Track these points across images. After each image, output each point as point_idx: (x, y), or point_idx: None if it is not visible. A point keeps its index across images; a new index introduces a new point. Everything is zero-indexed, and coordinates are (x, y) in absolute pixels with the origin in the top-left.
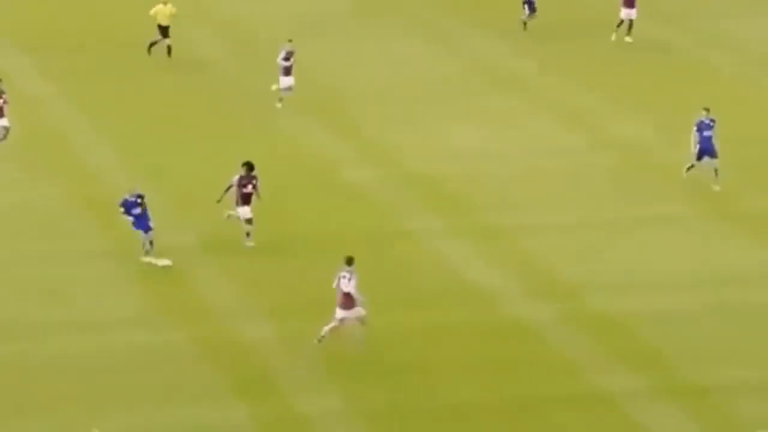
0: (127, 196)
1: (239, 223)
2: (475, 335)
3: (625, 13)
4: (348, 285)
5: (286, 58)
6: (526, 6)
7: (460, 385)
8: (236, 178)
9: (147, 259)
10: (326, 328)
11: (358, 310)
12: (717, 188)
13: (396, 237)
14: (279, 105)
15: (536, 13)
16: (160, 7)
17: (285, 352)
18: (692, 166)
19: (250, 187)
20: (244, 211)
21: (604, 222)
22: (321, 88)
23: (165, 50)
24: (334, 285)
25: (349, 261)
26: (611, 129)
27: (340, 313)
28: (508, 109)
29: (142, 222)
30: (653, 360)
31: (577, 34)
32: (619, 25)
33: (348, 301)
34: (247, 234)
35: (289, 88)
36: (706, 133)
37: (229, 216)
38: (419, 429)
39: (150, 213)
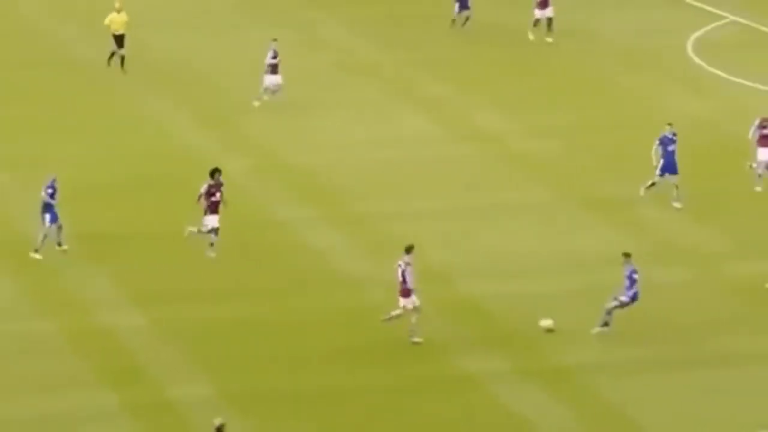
0: (53, 179)
1: (200, 236)
2: (344, 322)
3: (539, 13)
4: (399, 276)
5: (274, 57)
6: (457, 3)
7: (329, 371)
8: (205, 186)
9: (63, 247)
10: (393, 313)
11: (413, 300)
12: (678, 205)
13: (266, 227)
14: (256, 104)
15: (470, 11)
16: (114, 15)
17: (154, 340)
18: (653, 183)
19: (218, 194)
20: (213, 220)
21: (467, 209)
22: (191, 80)
23: (118, 61)
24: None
25: (408, 249)
26: (473, 119)
27: (401, 301)
28: (374, 100)
29: (54, 210)
30: (518, 342)
31: (439, 27)
32: (535, 24)
33: (405, 289)
34: (211, 244)
35: (276, 86)
36: (670, 148)
37: (190, 233)
38: (289, 415)
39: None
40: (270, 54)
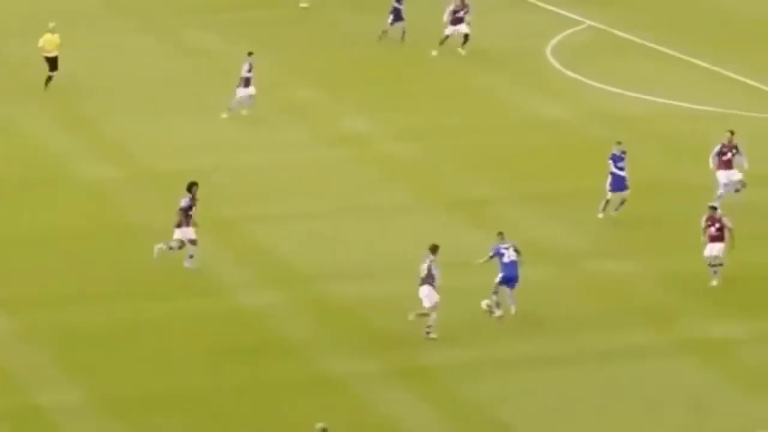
0: None
1: (170, 253)
2: (211, 325)
3: (450, 29)
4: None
5: (249, 70)
6: (391, 15)
7: (195, 373)
8: (186, 200)
9: None
10: (430, 322)
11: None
12: (612, 215)
13: (130, 231)
14: (224, 115)
15: (404, 22)
16: (47, 36)
17: (20, 345)
18: (607, 201)
19: (194, 208)
20: (187, 233)
21: (335, 212)
22: (54, 83)
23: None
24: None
25: (433, 249)
26: (339, 123)
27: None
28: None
29: None
30: (383, 343)
31: (300, 31)
32: (442, 42)
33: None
34: (191, 255)
35: (249, 97)
36: (619, 165)
37: (159, 250)
38: (159, 417)
39: None
40: (245, 67)
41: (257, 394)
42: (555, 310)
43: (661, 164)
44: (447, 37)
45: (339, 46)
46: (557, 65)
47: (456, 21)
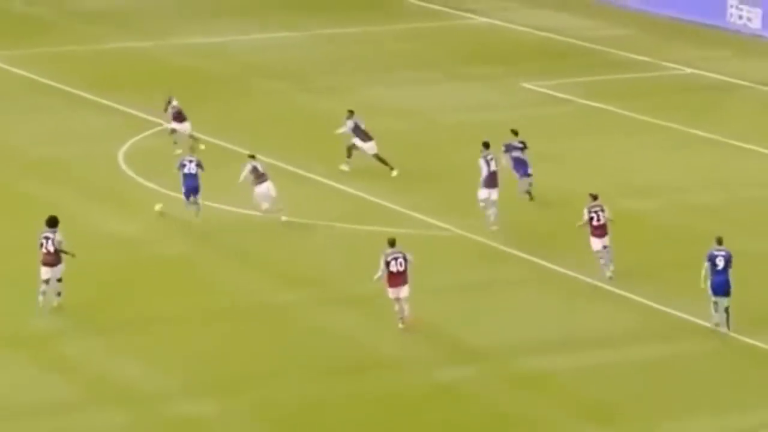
0: None
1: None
2: None
3: (359, 143)
4: (400, 266)
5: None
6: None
7: None
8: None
9: None
10: (405, 313)
11: (406, 289)
12: (725, 330)
13: None
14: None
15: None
16: None
17: None
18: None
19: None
20: (51, 271)
21: None
22: None
23: None
24: (381, 267)
25: (392, 243)
26: None
27: (392, 292)
28: None
29: None
30: None
31: None
32: (349, 154)
33: (398, 280)
34: (58, 293)
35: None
36: (719, 266)
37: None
38: None
39: None
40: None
41: None
42: None
43: (248, 284)
44: (352, 147)
45: None
46: (131, 173)
47: (365, 137)
